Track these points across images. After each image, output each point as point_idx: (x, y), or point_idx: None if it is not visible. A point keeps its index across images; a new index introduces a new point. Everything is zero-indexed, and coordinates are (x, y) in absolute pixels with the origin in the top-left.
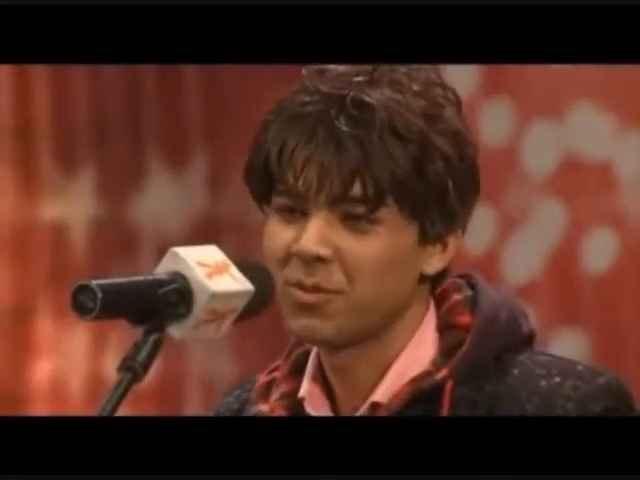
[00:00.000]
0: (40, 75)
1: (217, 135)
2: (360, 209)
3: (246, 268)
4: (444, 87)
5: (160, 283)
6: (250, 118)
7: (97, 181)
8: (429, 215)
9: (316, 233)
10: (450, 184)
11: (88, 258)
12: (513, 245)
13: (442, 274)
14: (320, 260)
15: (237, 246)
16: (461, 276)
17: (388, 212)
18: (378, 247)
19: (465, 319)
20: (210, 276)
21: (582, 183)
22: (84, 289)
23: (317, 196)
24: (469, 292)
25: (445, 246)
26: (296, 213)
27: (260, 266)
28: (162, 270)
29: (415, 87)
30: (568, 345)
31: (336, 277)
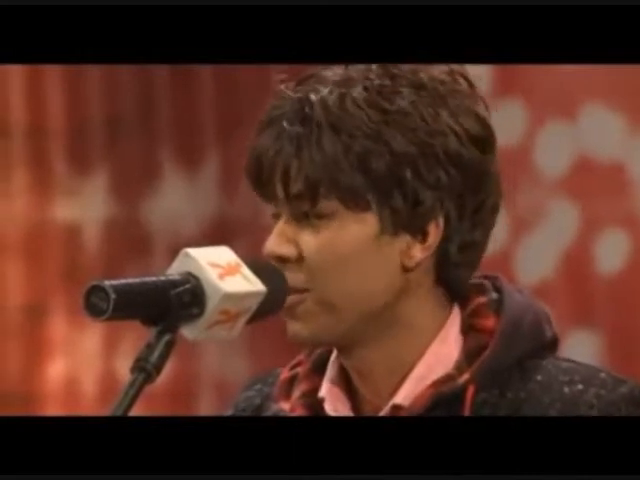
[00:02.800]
0: (54, 75)
1: (231, 136)
2: (305, 205)
3: (258, 269)
4: (419, 82)
5: (173, 284)
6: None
7: (110, 181)
8: (386, 203)
9: (277, 234)
10: (408, 173)
11: (101, 258)
12: (526, 246)
13: (455, 280)
14: (285, 260)
15: (250, 247)
16: (486, 277)
17: (331, 205)
18: (332, 242)
19: (489, 322)
20: (222, 277)
21: (595, 184)
22: (97, 290)
23: (275, 198)
24: (494, 295)
25: (425, 236)
26: (277, 217)
27: (272, 267)
28: (174, 271)
29: (375, 83)
30: (581, 346)
31: (300, 276)
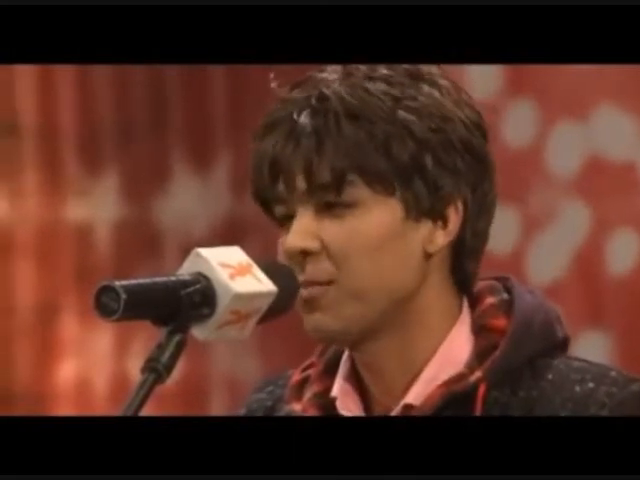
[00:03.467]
0: (65, 75)
1: (242, 136)
2: (329, 196)
3: (269, 269)
4: (420, 72)
5: (183, 284)
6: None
7: (122, 182)
8: (409, 189)
9: (298, 228)
10: (428, 157)
11: (112, 259)
12: (537, 246)
13: (467, 269)
14: (307, 254)
15: (261, 247)
16: (497, 279)
17: (358, 192)
18: (358, 229)
19: (500, 322)
20: (233, 277)
21: (606, 184)
22: (108, 290)
23: (292, 194)
24: (505, 295)
25: (446, 222)
26: (290, 219)
27: (283, 267)
28: (185, 271)
29: (382, 73)
30: (592, 346)
31: (325, 268)
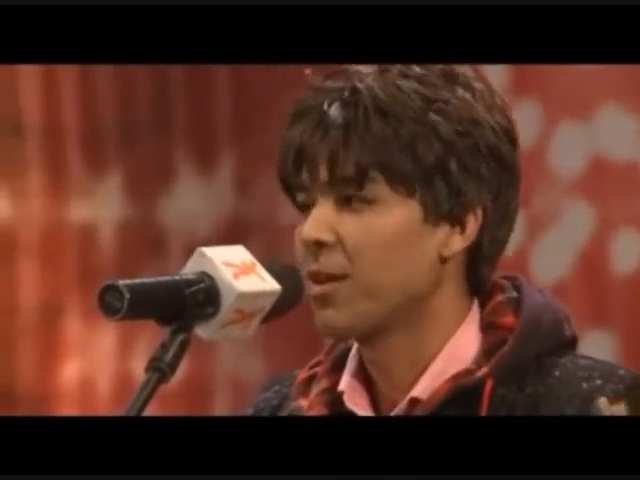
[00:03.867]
0: (69, 75)
1: (246, 136)
2: (350, 190)
3: (273, 268)
4: (455, 73)
5: (187, 283)
6: (279, 119)
7: (125, 182)
8: (430, 191)
9: (315, 219)
10: (453, 163)
11: (116, 259)
12: (541, 246)
13: (478, 267)
14: (322, 245)
15: (265, 246)
16: (506, 278)
17: (379, 190)
18: (375, 225)
19: (509, 320)
20: (237, 276)
21: (610, 184)
22: (111, 289)
23: (315, 184)
24: (514, 294)
25: (463, 227)
26: (309, 208)
27: (287, 266)
28: (189, 270)
29: (417, 72)
30: (596, 345)
31: (339, 261)
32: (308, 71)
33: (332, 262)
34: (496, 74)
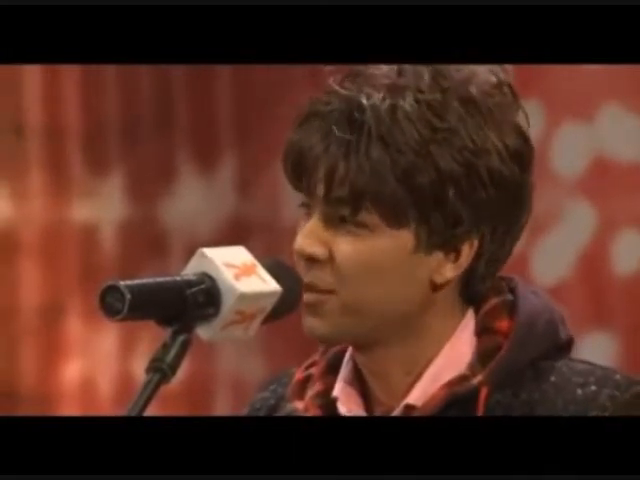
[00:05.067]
0: (70, 76)
1: (247, 136)
2: (344, 210)
3: (274, 269)
4: (468, 96)
5: (188, 284)
6: (281, 119)
7: (127, 182)
8: (425, 221)
9: (310, 232)
10: (451, 192)
11: (118, 259)
12: (543, 246)
13: (476, 290)
14: (313, 260)
15: (266, 247)
16: (501, 279)
17: (370, 217)
18: (364, 251)
19: (503, 324)
20: (238, 277)
21: (612, 184)
22: (112, 290)
23: (313, 195)
24: (509, 296)
25: (458, 255)
26: (308, 212)
27: (288, 267)
28: (190, 271)
29: (434, 97)
30: (597, 347)
31: (328, 277)
32: (329, 68)
33: (320, 277)
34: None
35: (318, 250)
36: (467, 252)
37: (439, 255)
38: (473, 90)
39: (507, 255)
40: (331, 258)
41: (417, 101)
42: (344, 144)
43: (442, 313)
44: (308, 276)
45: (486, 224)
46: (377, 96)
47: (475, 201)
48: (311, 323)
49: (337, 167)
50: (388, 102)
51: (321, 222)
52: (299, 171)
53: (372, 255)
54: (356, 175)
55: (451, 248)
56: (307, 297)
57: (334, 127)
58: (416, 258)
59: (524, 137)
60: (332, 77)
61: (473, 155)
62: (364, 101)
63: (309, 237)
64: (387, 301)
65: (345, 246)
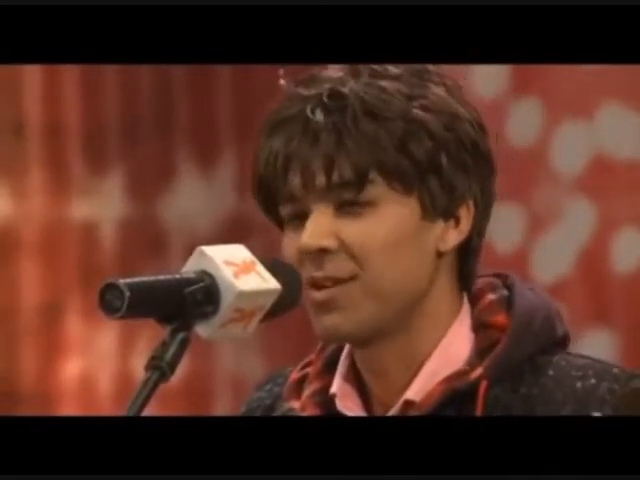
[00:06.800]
0: (70, 75)
1: (247, 135)
2: (348, 194)
3: (273, 267)
4: (428, 71)
5: (187, 282)
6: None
7: (127, 181)
8: (426, 188)
9: (314, 227)
10: (443, 157)
11: (117, 257)
12: (542, 244)
13: (468, 262)
14: (325, 252)
15: (265, 245)
16: (497, 275)
17: (378, 190)
18: (377, 227)
19: (500, 319)
20: (237, 275)
21: (611, 182)
22: (112, 288)
23: (307, 193)
24: (505, 292)
25: (457, 221)
26: (300, 217)
27: (287, 265)
28: (189, 269)
29: (393, 72)
30: (597, 344)
31: (345, 265)
32: (282, 80)
33: (336, 267)
34: (497, 74)
35: (327, 241)
36: (466, 217)
37: (441, 223)
38: (427, 67)
39: (485, 229)
40: (343, 246)
41: (383, 77)
42: (333, 131)
43: (440, 296)
44: (323, 270)
45: (474, 189)
46: (349, 82)
47: (463, 166)
48: (332, 320)
49: (333, 154)
50: (362, 82)
51: (324, 214)
52: (290, 172)
53: (383, 230)
54: (356, 153)
55: (451, 215)
56: (322, 294)
57: (315, 119)
58: (422, 227)
59: (477, 110)
60: (285, 82)
61: (453, 120)
62: (340, 88)
63: (314, 231)
64: (405, 275)
65: (355, 229)
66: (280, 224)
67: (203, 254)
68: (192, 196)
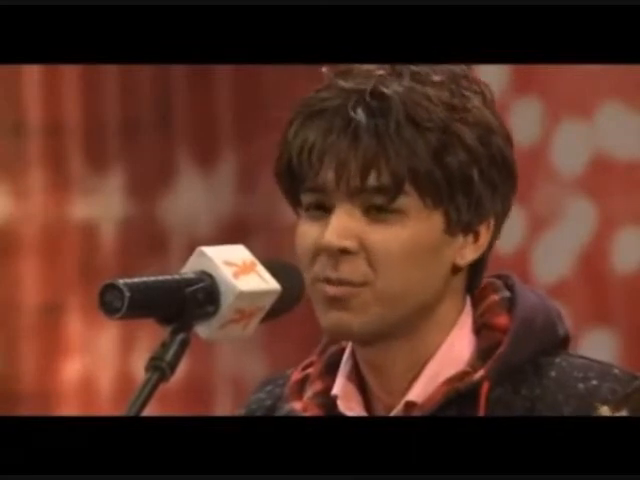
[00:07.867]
0: (70, 74)
1: (247, 135)
2: (380, 199)
3: (273, 267)
4: (469, 79)
5: (187, 282)
6: (281, 118)
7: (127, 180)
8: (454, 203)
9: (339, 226)
10: (475, 172)
11: (118, 257)
12: (543, 244)
13: (478, 272)
14: (345, 253)
15: (266, 246)
16: (498, 277)
17: (409, 201)
18: (401, 237)
19: (502, 320)
20: (237, 275)
21: (612, 182)
22: (112, 288)
23: (337, 189)
24: (506, 293)
25: (477, 237)
26: (322, 209)
27: (288, 265)
28: (189, 269)
29: (436, 78)
30: (598, 344)
31: (361, 269)
32: (325, 69)
33: (353, 270)
34: (498, 73)
35: (349, 243)
36: (485, 233)
37: (460, 237)
38: (464, 73)
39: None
40: (364, 249)
41: (425, 83)
42: (374, 133)
43: (450, 303)
44: (338, 272)
45: (498, 207)
46: (392, 83)
47: (492, 183)
48: (339, 317)
49: (373, 157)
50: (405, 86)
51: (350, 214)
52: (323, 164)
53: (407, 240)
54: (395, 161)
55: (471, 230)
56: (334, 290)
57: (357, 118)
58: (444, 241)
59: (504, 124)
60: (330, 76)
61: (487, 133)
62: (384, 89)
63: (339, 230)
64: (419, 286)
65: (380, 235)
66: (295, 206)
67: (203, 254)
68: (192, 196)
